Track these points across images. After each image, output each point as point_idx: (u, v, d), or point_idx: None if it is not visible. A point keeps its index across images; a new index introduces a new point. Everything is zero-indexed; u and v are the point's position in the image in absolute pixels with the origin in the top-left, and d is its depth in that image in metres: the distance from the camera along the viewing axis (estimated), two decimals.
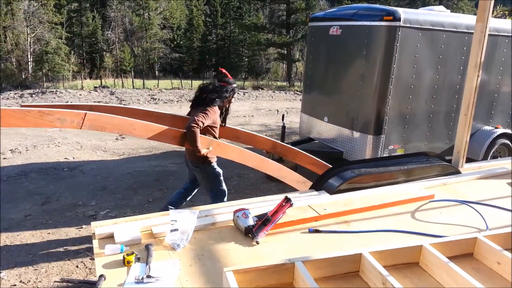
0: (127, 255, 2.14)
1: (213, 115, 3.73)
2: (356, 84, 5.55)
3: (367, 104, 5.44)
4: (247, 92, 18.26)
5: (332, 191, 3.22)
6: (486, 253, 2.24)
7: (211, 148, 3.66)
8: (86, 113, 3.05)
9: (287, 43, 28.58)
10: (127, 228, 2.46)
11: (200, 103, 3.80)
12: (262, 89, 20.65)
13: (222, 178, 4.00)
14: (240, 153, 3.72)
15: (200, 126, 3.53)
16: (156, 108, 12.93)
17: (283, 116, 6.86)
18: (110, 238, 2.40)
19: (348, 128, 5.73)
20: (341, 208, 2.90)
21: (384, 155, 5.42)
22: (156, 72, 39.30)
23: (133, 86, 22.14)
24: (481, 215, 2.86)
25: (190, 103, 3.98)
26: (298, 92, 18.43)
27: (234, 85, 4.02)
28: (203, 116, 3.61)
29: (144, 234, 2.46)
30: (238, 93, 17.64)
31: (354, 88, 5.61)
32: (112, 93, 16.58)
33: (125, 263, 2.12)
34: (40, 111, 2.89)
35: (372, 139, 5.41)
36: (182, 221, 2.39)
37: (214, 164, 3.92)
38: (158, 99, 14.79)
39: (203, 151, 3.60)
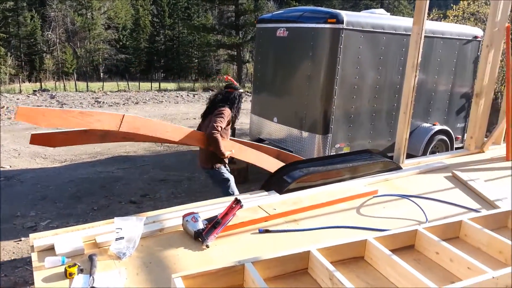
0: (69, 267, 2.04)
1: (228, 117, 3.89)
2: (304, 85, 5.66)
3: (314, 105, 5.57)
4: (197, 94, 18.09)
5: (282, 190, 3.26)
6: (426, 244, 2.36)
7: (233, 150, 3.88)
8: (123, 115, 3.16)
9: (237, 44, 28.61)
10: (69, 238, 2.34)
11: (211, 112, 3.94)
12: (212, 90, 20.50)
13: (231, 183, 4.04)
14: (257, 156, 4.08)
15: (219, 131, 3.72)
16: None
17: None
18: (50, 250, 2.27)
19: (297, 128, 5.83)
20: (290, 207, 2.93)
21: (332, 154, 5.57)
22: (101, 74, 37.84)
23: (76, 89, 21.13)
24: (421, 208, 3.02)
25: (202, 115, 4.12)
26: (248, 93, 18.51)
27: (241, 90, 4.20)
28: (220, 120, 3.77)
29: (87, 244, 2.35)
30: (187, 95, 17.43)
31: (301, 89, 5.72)
32: (52, 97, 15.75)
33: (67, 275, 2.02)
34: (81, 112, 3.04)
35: (320, 139, 5.55)
36: (127, 229, 2.31)
37: (222, 169, 4.00)
38: (103, 102, 14.24)
39: (227, 153, 3.81)
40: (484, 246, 2.45)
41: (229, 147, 3.87)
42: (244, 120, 10.98)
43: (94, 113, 3.06)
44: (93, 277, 2.00)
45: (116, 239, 2.28)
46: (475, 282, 1.91)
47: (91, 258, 2.17)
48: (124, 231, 2.30)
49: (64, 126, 3.07)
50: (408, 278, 1.98)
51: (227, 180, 4.02)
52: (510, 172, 4.03)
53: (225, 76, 4.58)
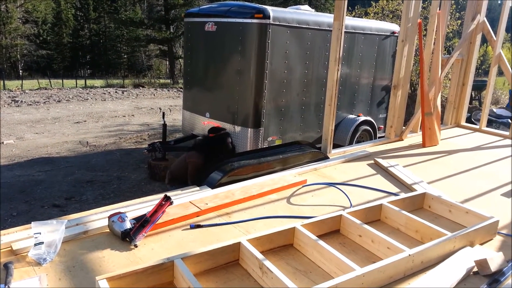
0: None
1: None
2: (234, 79, 5.68)
3: (245, 99, 5.61)
4: (126, 91, 17.40)
5: (213, 185, 3.25)
6: (350, 228, 2.49)
7: None
8: None
9: (168, 39, 27.86)
10: None
11: None
12: (143, 87, 19.88)
13: None
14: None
15: None
16: (19, 111, 11.54)
17: (163, 114, 6.70)
18: None
19: (229, 123, 5.84)
20: (222, 200, 2.94)
21: (264, 147, 5.66)
22: (20, 71, 35.00)
23: None
24: (346, 194, 3.17)
25: None
26: (181, 89, 18.16)
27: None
28: None
29: (2, 252, 2.19)
30: (116, 92, 16.71)
31: (232, 83, 5.73)
32: None
33: None
34: None
35: (252, 132, 5.61)
36: (47, 233, 2.17)
37: None
38: (21, 101, 13.16)
39: None
40: (402, 227, 2.64)
41: None
42: (178, 117, 10.79)
43: None
44: (8, 286, 1.86)
45: (35, 245, 2.14)
46: (394, 260, 2.05)
47: (6, 266, 2.02)
48: (44, 235, 2.16)
49: None
50: (333, 261, 2.07)
51: None
52: (426, 158, 4.39)
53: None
